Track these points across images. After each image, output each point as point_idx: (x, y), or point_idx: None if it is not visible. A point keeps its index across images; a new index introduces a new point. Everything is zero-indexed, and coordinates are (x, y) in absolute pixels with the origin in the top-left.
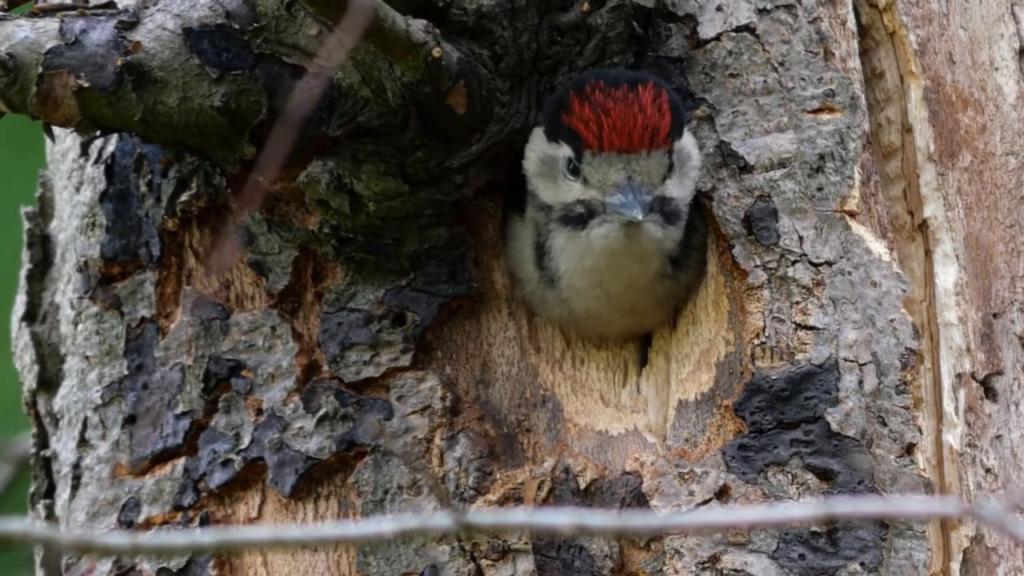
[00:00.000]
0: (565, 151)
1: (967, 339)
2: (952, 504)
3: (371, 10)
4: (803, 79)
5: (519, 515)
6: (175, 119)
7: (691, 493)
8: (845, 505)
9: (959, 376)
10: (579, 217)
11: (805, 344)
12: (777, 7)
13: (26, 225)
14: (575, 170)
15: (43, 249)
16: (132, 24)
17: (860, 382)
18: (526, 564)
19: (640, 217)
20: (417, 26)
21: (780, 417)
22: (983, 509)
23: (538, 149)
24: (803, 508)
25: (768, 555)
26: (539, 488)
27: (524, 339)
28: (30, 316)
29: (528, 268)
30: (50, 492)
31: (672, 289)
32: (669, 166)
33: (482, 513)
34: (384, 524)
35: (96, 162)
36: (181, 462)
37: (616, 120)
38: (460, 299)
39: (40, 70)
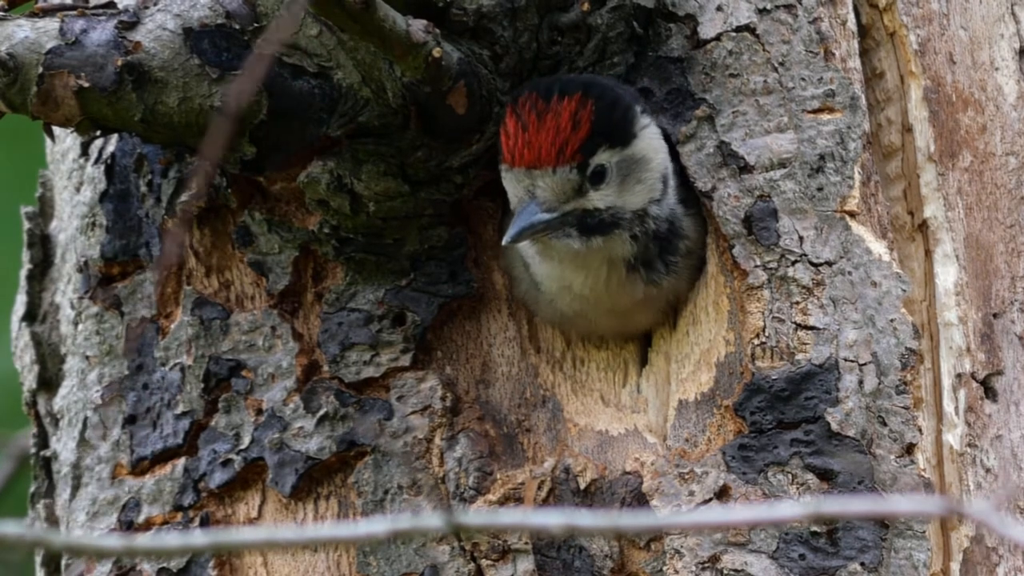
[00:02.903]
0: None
1: (967, 339)
2: (939, 502)
3: None
4: (803, 79)
5: (511, 515)
6: (175, 119)
7: (691, 493)
8: (836, 504)
9: (959, 376)
10: None
11: (805, 344)
12: (777, 7)
13: (26, 225)
14: None
15: (43, 249)
16: (132, 24)
17: (860, 382)
18: (526, 564)
19: (505, 242)
20: (417, 26)
21: (780, 417)
22: (971, 507)
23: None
24: (796, 507)
25: (768, 555)
26: (539, 488)
27: (524, 339)
28: (30, 316)
29: (519, 268)
30: (50, 492)
31: (654, 294)
32: (584, 179)
33: (474, 513)
34: (377, 525)
35: (96, 162)
36: (181, 462)
37: (531, 135)
38: (460, 299)
39: (40, 70)
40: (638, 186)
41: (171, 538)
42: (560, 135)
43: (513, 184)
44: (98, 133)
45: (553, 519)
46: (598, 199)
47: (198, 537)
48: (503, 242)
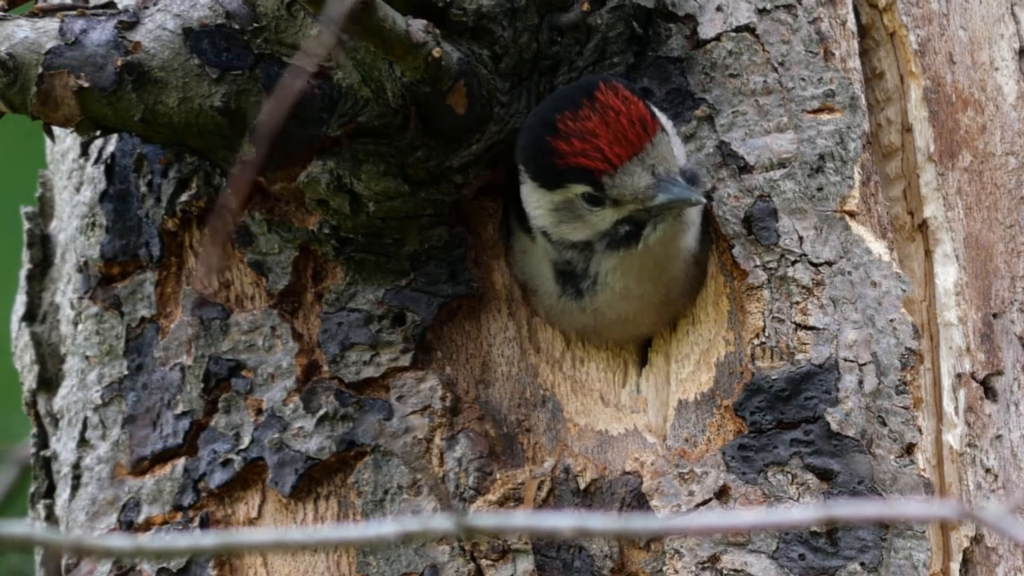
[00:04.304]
0: (578, 189)
1: (967, 339)
2: (953, 507)
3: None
4: (803, 79)
5: (520, 517)
6: (175, 119)
7: (691, 493)
8: (845, 508)
9: (959, 376)
10: (628, 235)
11: (805, 344)
12: (777, 7)
13: (26, 225)
14: (597, 200)
15: (43, 249)
16: (132, 24)
17: (860, 382)
18: (526, 564)
19: (698, 197)
20: (417, 26)
21: (780, 417)
22: (985, 512)
23: (542, 203)
24: (803, 511)
25: (768, 555)
26: (539, 488)
27: (524, 339)
28: (30, 316)
29: (547, 283)
30: (50, 492)
31: (696, 274)
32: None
33: (483, 515)
34: (386, 527)
35: (96, 162)
36: (181, 462)
37: (607, 134)
38: (460, 299)
39: (40, 70)
40: (678, 148)
41: (178, 538)
42: (632, 113)
43: (628, 182)
44: (98, 133)
45: (562, 522)
46: (681, 158)
47: (206, 537)
48: (699, 204)
